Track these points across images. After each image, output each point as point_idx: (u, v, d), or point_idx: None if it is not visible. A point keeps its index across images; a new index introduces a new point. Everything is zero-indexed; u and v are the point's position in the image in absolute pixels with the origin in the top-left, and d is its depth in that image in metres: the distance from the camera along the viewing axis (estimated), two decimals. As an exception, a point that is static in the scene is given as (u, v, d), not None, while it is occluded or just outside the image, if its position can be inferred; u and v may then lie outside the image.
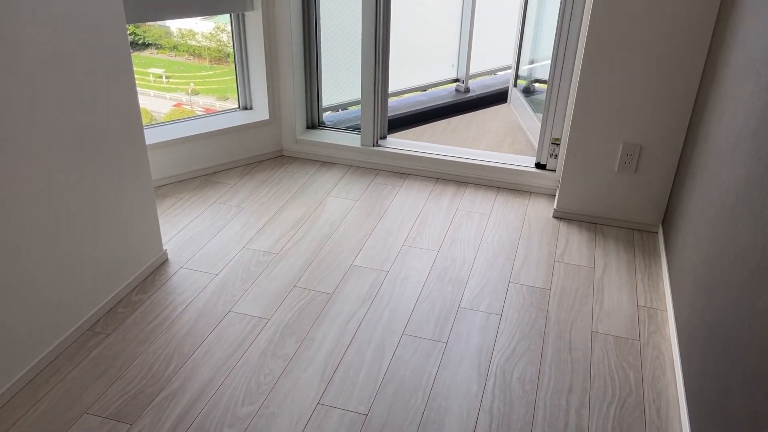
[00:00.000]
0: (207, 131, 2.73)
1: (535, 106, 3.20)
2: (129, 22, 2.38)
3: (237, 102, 2.95)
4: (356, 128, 3.03)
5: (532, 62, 3.43)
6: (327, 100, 3.12)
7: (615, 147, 2.36)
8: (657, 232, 2.46)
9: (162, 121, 2.85)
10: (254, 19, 2.70)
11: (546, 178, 2.70)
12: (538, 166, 2.72)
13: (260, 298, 2.03)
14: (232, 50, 2.84)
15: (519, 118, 3.41)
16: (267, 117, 2.88)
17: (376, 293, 2.07)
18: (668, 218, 2.34)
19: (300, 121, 2.97)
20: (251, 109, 2.95)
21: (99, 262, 1.88)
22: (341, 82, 3.15)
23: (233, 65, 2.88)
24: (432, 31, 3.66)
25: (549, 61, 2.56)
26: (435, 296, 2.07)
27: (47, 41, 1.57)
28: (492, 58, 3.96)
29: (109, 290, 1.96)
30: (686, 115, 2.24)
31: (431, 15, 3.61)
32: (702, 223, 1.78)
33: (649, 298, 2.08)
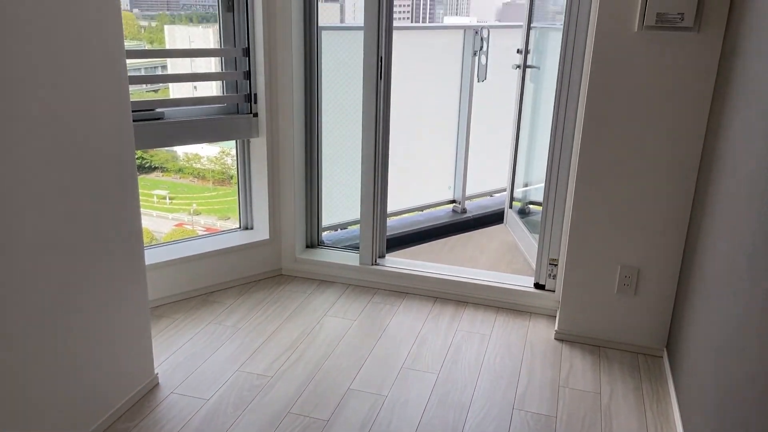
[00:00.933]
0: (207, 251, 2.75)
1: (531, 227, 3.25)
2: (139, 148, 2.47)
3: (238, 222, 3.00)
4: (355, 247, 3.06)
5: (526, 185, 3.53)
6: (327, 219, 3.17)
7: (613, 269, 2.37)
8: (662, 357, 2.40)
9: (163, 240, 2.89)
10: (259, 145, 2.82)
11: (546, 299, 2.68)
12: (537, 286, 2.71)
13: (252, 425, 1.94)
14: (235, 173, 2.93)
15: (516, 238, 3.46)
16: (267, 237, 2.91)
17: (374, 420, 1.98)
18: (672, 342, 2.29)
19: (300, 240, 3.00)
20: (252, 228, 2.99)
21: (86, 388, 1.82)
22: (341, 202, 3.23)
23: (236, 186, 2.96)
24: (429, 153, 3.81)
25: (542, 184, 2.64)
26: (436, 423, 1.97)
27: (55, 164, 1.62)
28: (488, 181, 4.08)
29: (95, 418, 1.87)
30: (681, 236, 2.27)
31: (428, 138, 3.78)
32: (707, 348, 1.75)
33: (660, 427, 1.99)
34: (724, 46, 2.02)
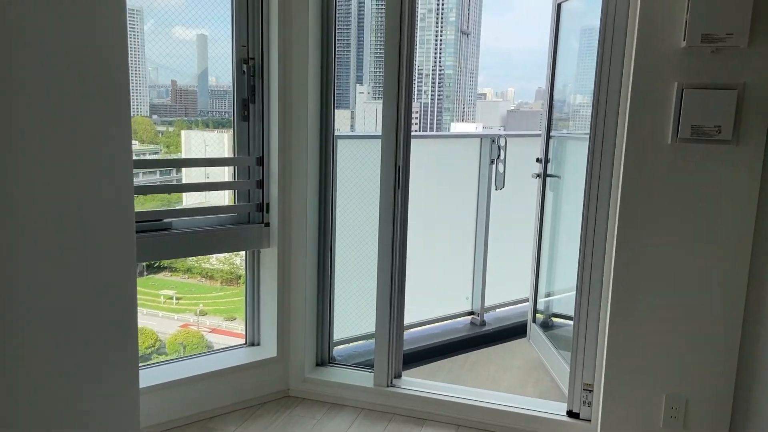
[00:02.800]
0: (208, 371, 2.53)
1: (556, 342, 3.03)
2: (144, 260, 2.34)
3: (244, 338, 2.80)
4: (369, 364, 2.83)
5: (548, 295, 3.35)
6: (338, 333, 2.97)
7: (658, 398, 2.13)
8: (720, 501, 2.11)
9: (167, 341, 2.69)
10: (269, 255, 2.68)
11: (581, 430, 2.41)
12: (571, 414, 2.45)
13: None
14: (243, 275, 2.79)
15: (541, 355, 3.22)
16: (275, 354, 2.69)
17: None
18: (732, 485, 2.01)
19: (309, 357, 2.78)
20: (258, 345, 2.78)
21: None
22: (354, 314, 3.03)
23: (243, 286, 2.80)
24: (446, 262, 3.66)
25: (566, 294, 2.45)
26: None
27: (53, 290, 1.48)
28: (506, 291, 3.90)
29: None
30: (733, 361, 2.05)
31: (445, 247, 3.64)
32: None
33: None
34: (767, 158, 1.91)
